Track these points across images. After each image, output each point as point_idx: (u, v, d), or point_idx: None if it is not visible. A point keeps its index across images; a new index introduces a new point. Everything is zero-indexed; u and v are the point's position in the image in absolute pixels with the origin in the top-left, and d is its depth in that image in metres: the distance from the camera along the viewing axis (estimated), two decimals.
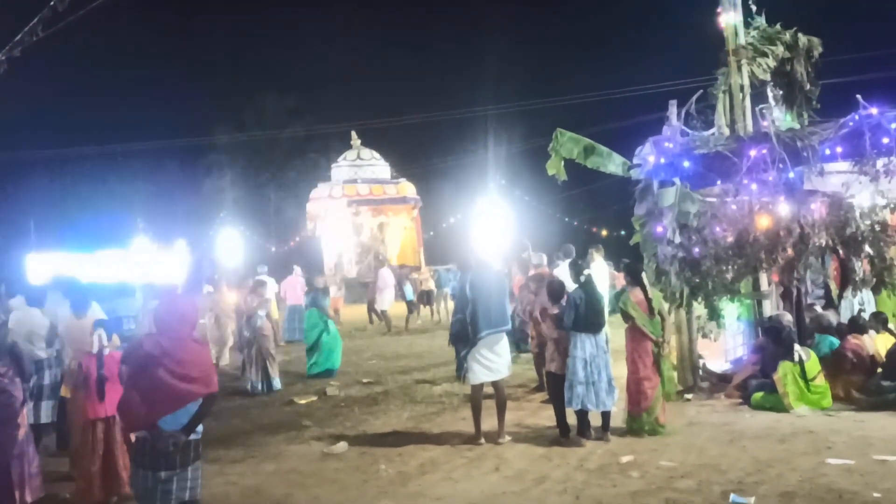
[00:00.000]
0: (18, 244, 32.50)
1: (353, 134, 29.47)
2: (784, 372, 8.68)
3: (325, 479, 6.78)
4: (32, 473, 6.38)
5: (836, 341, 9.31)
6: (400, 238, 29.23)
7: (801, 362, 8.70)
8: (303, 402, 10.38)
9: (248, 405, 10.36)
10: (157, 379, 4.45)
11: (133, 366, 4.59)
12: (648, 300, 8.10)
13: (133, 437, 4.81)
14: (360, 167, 28.97)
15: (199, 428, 4.62)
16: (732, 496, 5.93)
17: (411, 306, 19.70)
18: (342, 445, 7.84)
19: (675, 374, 9.59)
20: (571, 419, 7.82)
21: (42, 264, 26.70)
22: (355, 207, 27.41)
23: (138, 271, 21.87)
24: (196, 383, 4.55)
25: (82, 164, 39.97)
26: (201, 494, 4.69)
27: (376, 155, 29.25)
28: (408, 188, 28.87)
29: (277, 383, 11.35)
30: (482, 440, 7.77)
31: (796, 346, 8.85)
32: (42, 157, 35.79)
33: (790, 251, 9.71)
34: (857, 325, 9.44)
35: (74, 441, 6.99)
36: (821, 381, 8.74)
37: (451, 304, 21.07)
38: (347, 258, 26.88)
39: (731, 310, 10.19)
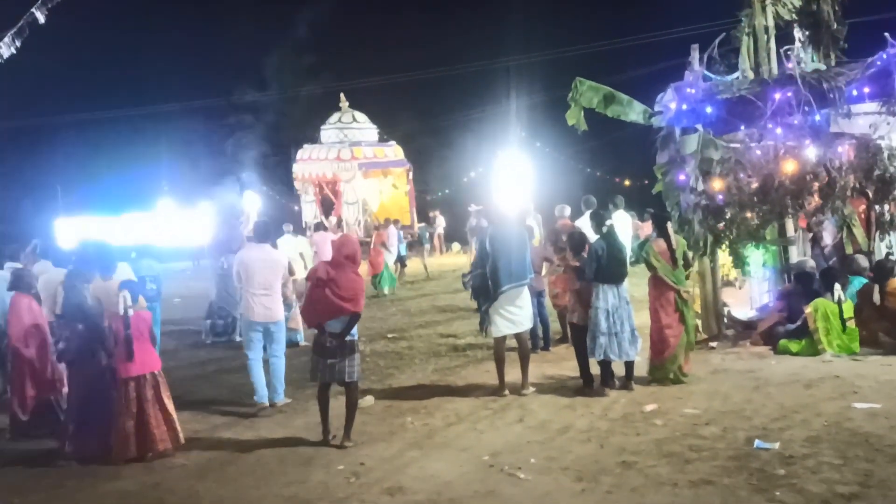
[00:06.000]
0: (46, 208, 32.95)
1: (342, 96, 30.06)
2: (815, 307, 8.66)
3: (354, 433, 6.88)
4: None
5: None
6: (385, 197, 29.70)
7: (839, 302, 8.68)
8: None
9: None
10: (324, 295, 6.36)
11: (311, 283, 6.47)
12: (672, 250, 8.05)
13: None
14: (360, 130, 29.54)
15: (354, 331, 6.51)
16: (757, 442, 5.95)
17: (404, 261, 19.97)
18: (369, 399, 7.95)
19: (698, 322, 9.58)
20: (595, 370, 7.87)
21: (70, 228, 27.11)
22: (365, 170, 27.92)
23: (164, 233, 22.15)
24: (348, 302, 6.40)
25: (107, 127, 40.09)
26: (358, 376, 6.61)
27: (365, 117, 30.01)
28: (399, 151, 29.68)
29: (300, 336, 11.33)
30: (506, 392, 7.84)
31: (836, 287, 8.80)
32: (67, 121, 35.98)
33: (817, 196, 9.55)
34: (884, 269, 9.31)
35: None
36: (851, 324, 8.71)
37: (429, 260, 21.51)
38: (354, 217, 27.40)
39: (756, 257, 10.11)
